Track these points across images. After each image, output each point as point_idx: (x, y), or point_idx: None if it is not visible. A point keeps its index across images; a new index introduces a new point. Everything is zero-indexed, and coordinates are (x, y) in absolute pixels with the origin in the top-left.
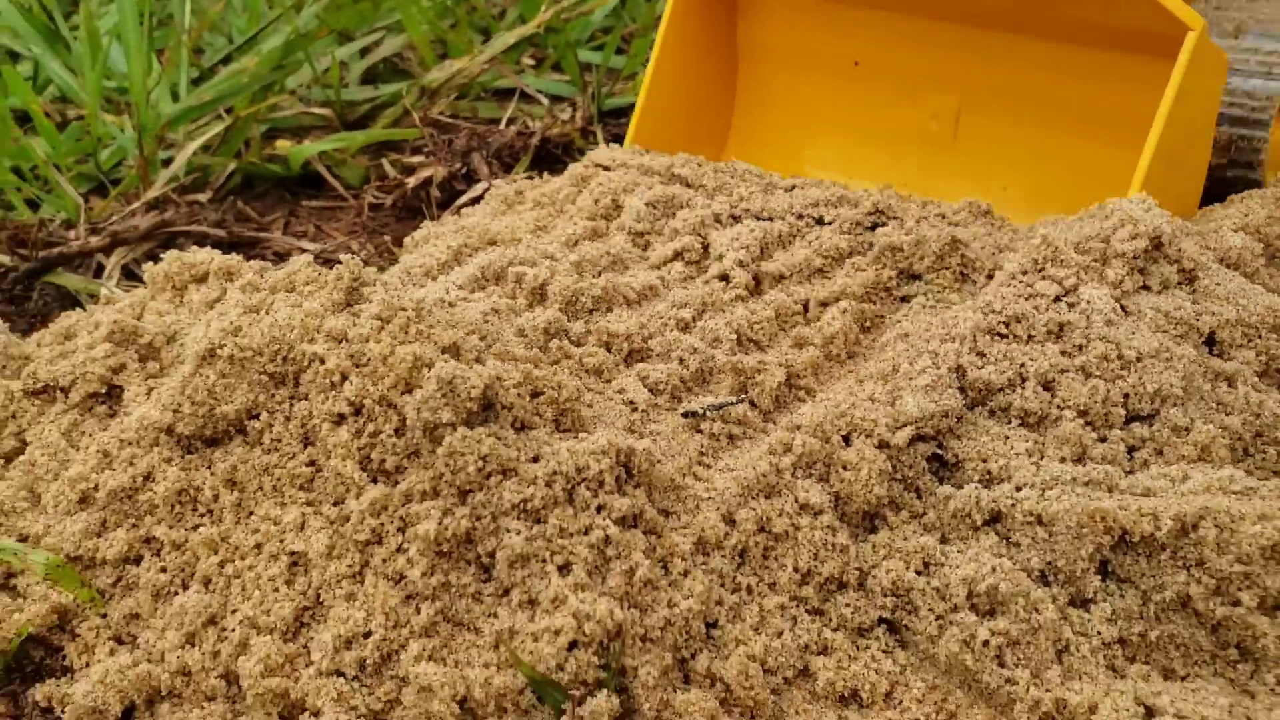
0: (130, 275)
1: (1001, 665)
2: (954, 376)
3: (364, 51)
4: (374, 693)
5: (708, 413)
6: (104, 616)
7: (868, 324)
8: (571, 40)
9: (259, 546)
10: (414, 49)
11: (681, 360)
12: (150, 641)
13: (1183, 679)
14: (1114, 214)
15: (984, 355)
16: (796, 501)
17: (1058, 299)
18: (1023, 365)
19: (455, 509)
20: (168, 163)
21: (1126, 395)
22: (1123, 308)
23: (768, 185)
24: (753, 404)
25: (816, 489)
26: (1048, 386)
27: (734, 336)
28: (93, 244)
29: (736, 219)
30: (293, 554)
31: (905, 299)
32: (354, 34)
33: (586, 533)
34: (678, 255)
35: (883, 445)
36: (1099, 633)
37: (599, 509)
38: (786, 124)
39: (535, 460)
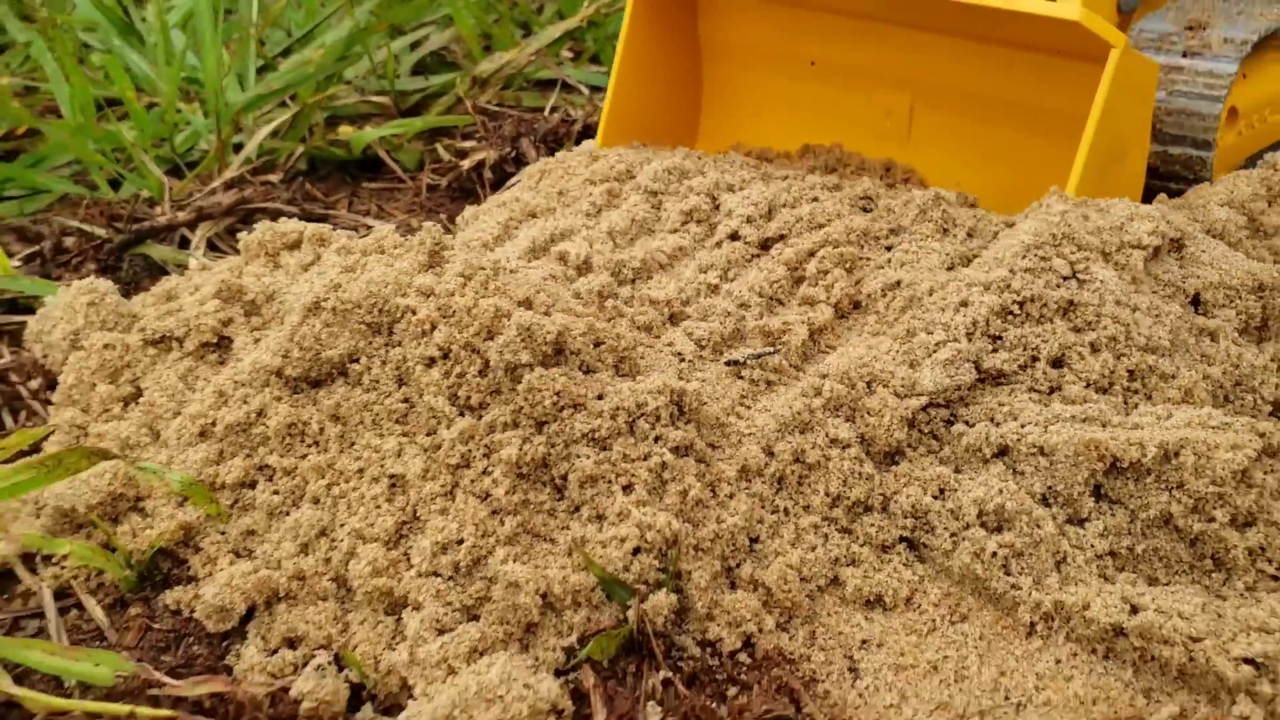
0: (212, 247)
1: (1007, 574)
2: (970, 355)
3: (413, 45)
4: (467, 590)
5: (748, 361)
6: (223, 534)
7: (849, 265)
8: (610, 34)
9: (361, 471)
10: (460, 42)
11: (720, 321)
12: (268, 552)
13: (1164, 585)
14: (1121, 208)
15: (999, 339)
16: (827, 436)
17: (1069, 277)
18: (1036, 348)
19: (533, 437)
20: (238, 147)
21: (1131, 371)
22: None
23: (765, 174)
24: (784, 361)
25: (845, 426)
26: (1058, 364)
27: (760, 299)
28: (180, 219)
29: (744, 188)
30: (392, 476)
31: (889, 247)
32: (405, 28)
33: (646, 459)
34: (691, 212)
35: (900, 396)
36: (1092, 546)
37: (656, 439)
38: (751, 122)
39: (600, 397)
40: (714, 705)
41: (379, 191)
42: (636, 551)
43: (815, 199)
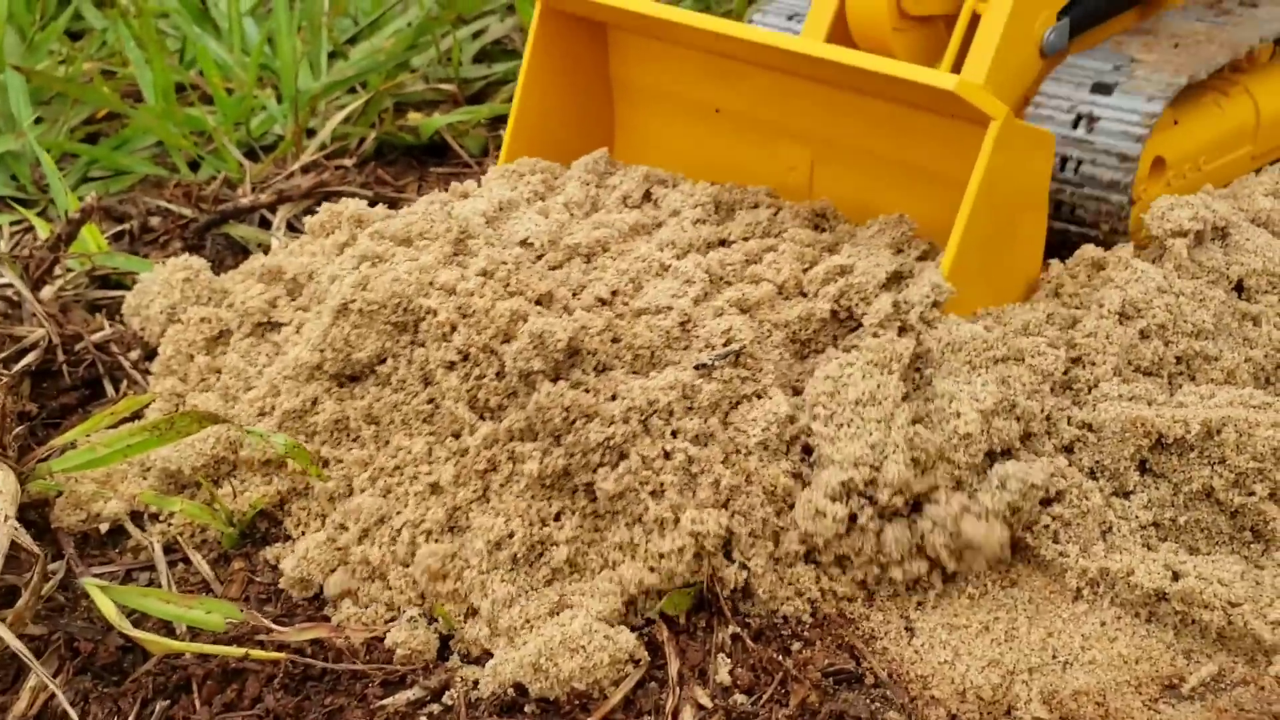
0: (291, 228)
1: (1056, 542)
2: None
3: (475, 35)
4: (534, 575)
5: (714, 363)
6: (315, 500)
7: (808, 265)
8: None
9: (399, 469)
10: (519, 31)
11: (672, 308)
12: (335, 534)
13: (1205, 554)
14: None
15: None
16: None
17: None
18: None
19: (552, 449)
20: (310, 132)
21: (1178, 357)
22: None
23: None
24: (749, 358)
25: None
26: (1112, 373)
27: (705, 276)
28: (262, 200)
29: (680, 184)
30: (429, 483)
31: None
32: (467, 18)
33: (669, 457)
34: (626, 199)
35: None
36: (1137, 517)
37: (674, 433)
38: (662, 165)
39: (613, 399)
40: (780, 658)
41: (446, 176)
42: (698, 556)
43: (759, 205)
